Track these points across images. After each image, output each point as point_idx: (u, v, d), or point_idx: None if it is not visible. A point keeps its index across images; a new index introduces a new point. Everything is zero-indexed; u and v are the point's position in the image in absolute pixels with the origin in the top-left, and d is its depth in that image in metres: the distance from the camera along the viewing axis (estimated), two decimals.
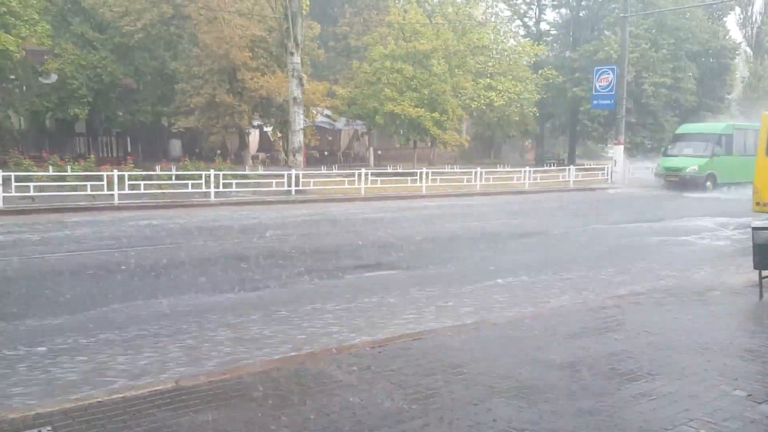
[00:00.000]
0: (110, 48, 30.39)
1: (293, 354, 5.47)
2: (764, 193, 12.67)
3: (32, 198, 16.68)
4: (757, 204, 12.91)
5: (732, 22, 43.66)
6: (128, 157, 25.53)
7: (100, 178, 17.97)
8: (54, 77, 29.00)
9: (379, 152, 42.70)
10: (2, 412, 3.99)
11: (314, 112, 32.79)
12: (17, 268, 9.13)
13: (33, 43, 26.34)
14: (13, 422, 3.77)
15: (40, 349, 5.56)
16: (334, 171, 28.76)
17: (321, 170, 29.68)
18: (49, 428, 3.51)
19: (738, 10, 41.11)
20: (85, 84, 29.10)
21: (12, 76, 27.05)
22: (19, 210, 15.37)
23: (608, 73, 31.15)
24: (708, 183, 26.08)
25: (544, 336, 5.78)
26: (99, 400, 4.14)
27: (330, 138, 44.41)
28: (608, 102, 31.52)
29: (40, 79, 29.09)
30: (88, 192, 17.50)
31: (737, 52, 43.80)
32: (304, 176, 22.46)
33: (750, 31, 39.83)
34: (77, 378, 4.94)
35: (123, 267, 9.16)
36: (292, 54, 22.03)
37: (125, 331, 6.08)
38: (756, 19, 39.39)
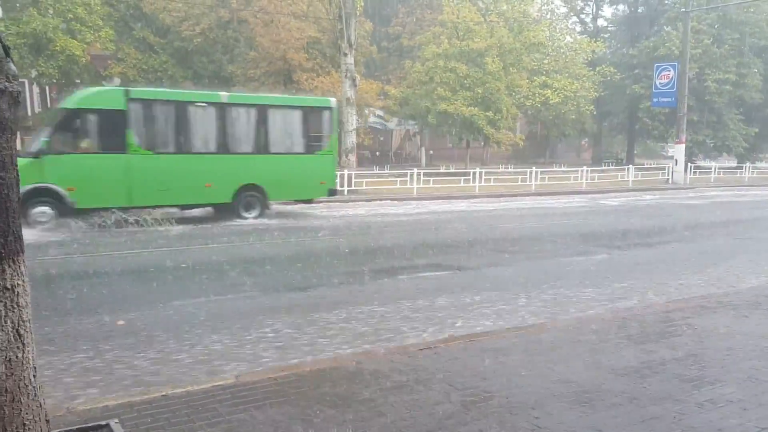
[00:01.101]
0: (170, 52, 31.31)
1: (352, 353, 5.49)
2: None
3: None
4: None
5: None
6: None
7: None
8: (117, 81, 30.13)
9: (431, 152, 42.58)
10: (73, 403, 4.14)
11: (367, 112, 32.96)
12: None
13: (97, 48, 27.41)
14: (83, 413, 3.90)
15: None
16: (386, 171, 28.87)
17: (373, 170, 29.83)
18: (116, 420, 3.61)
19: None
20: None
21: (77, 80, 28.20)
22: None
23: (669, 70, 30.20)
24: None
25: (608, 339, 5.62)
26: (163, 394, 4.25)
27: (382, 138, 44.58)
28: (669, 99, 30.55)
29: (103, 83, 30.22)
30: None
31: None
32: (357, 176, 22.60)
33: None
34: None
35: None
36: (345, 55, 22.20)
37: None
38: None
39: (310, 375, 4.68)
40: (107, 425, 3.52)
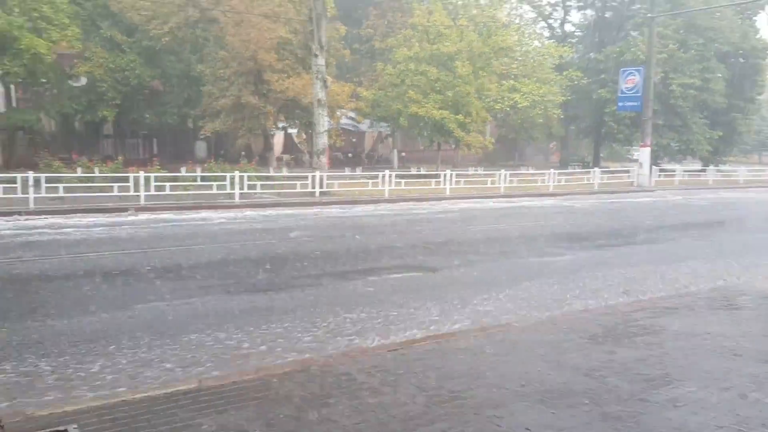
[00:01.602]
0: (138, 51, 30.85)
1: (316, 356, 5.47)
2: None
3: (61, 199, 17.01)
4: None
5: (763, 21, 42.77)
6: (154, 159, 25.90)
7: (126, 180, 18.27)
8: (83, 80, 29.59)
9: (403, 154, 42.69)
10: (31, 410, 4.05)
11: (338, 114, 32.91)
12: (46, 269, 9.30)
13: (63, 47, 26.85)
14: (42, 419, 3.82)
15: (75, 348, 5.64)
16: (358, 173, 28.84)
17: (345, 172, 29.79)
18: (75, 426, 3.55)
19: None
20: (113, 87, 29.62)
21: (43, 80, 27.60)
22: (49, 210, 15.66)
23: (634, 75, 30.74)
24: None
25: (571, 339, 5.71)
26: (124, 399, 4.19)
27: (354, 140, 44.55)
28: (634, 104, 31.08)
29: (69, 82, 29.67)
30: (115, 193, 17.86)
31: None
32: (329, 178, 22.53)
33: None
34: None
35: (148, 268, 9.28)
36: (316, 56, 22.13)
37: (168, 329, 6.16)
38: None
39: (275, 379, 4.65)
40: (65, 431, 3.45)
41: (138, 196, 17.76)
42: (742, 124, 42.48)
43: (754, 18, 43.58)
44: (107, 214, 15.76)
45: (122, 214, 15.91)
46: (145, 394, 4.27)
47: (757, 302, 7.35)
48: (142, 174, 18.26)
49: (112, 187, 18.05)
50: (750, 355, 5.33)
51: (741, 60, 41.58)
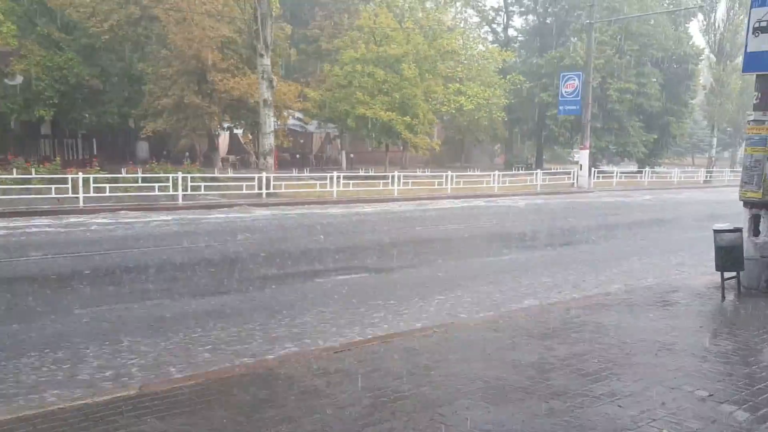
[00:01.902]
0: (76, 49, 29.87)
1: (261, 359, 5.43)
2: None
3: None
4: None
5: (695, 28, 44.78)
6: (94, 160, 25.12)
7: (65, 181, 17.66)
8: (19, 78, 28.37)
9: (352, 155, 42.72)
10: None
11: (285, 114, 32.65)
12: None
13: None
14: None
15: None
16: (305, 174, 28.71)
17: (293, 173, 29.60)
18: None
19: (701, 17, 42.06)
20: (50, 85, 28.56)
21: None
22: None
23: (574, 79, 31.65)
24: None
25: (512, 336, 5.85)
26: (60, 406, 4.06)
27: (302, 141, 44.29)
28: (574, 107, 32.02)
29: (5, 80, 28.42)
30: (53, 195, 17.24)
31: (700, 58, 44.85)
32: (276, 179, 22.34)
33: (713, 38, 40.82)
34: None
35: (86, 271, 9.00)
36: (261, 56, 21.91)
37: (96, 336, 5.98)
38: (718, 26, 40.36)
39: (219, 383, 4.60)
40: None
41: (77, 198, 17.19)
42: (675, 127, 44.37)
43: (687, 25, 45.64)
44: (45, 217, 15.20)
45: (62, 216, 15.37)
46: (83, 402, 4.15)
47: (689, 298, 7.69)
48: (81, 175, 17.69)
49: (49, 189, 17.42)
50: (682, 349, 5.57)
51: (674, 65, 43.42)
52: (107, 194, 18.05)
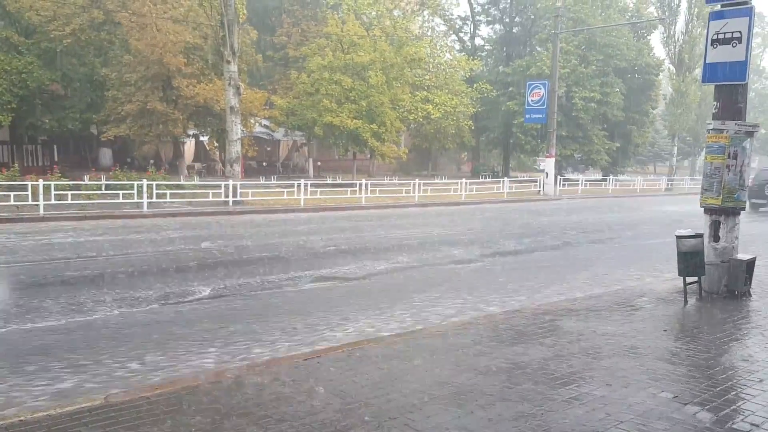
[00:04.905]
0: (36, 53, 29.19)
1: (229, 367, 5.36)
2: None
3: None
4: None
5: (656, 40, 46.04)
6: (54, 166, 24.53)
7: (24, 188, 17.21)
8: None
9: (319, 163, 42.60)
10: None
11: (252, 121, 32.43)
12: None
13: None
14: None
15: None
16: (273, 182, 28.50)
17: (260, 181, 29.37)
18: None
19: (661, 29, 43.22)
20: (8, 90, 27.79)
21: None
22: None
23: (540, 88, 32.14)
24: None
25: (481, 342, 5.88)
26: (21, 419, 3.94)
27: (269, 148, 44.00)
28: (540, 116, 32.50)
29: None
30: (12, 202, 16.78)
31: (661, 68, 46.08)
32: (242, 187, 22.14)
33: (673, 49, 41.97)
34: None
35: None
36: (228, 62, 21.74)
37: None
38: (678, 38, 41.51)
39: (188, 392, 4.52)
40: None
41: (37, 205, 16.76)
42: (637, 136, 45.47)
43: (648, 37, 46.87)
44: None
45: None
46: (45, 413, 4.03)
47: (654, 303, 7.84)
48: (41, 182, 17.26)
49: (8, 196, 16.95)
50: (647, 352, 5.67)
51: (636, 76, 44.53)
52: (69, 201, 17.65)
